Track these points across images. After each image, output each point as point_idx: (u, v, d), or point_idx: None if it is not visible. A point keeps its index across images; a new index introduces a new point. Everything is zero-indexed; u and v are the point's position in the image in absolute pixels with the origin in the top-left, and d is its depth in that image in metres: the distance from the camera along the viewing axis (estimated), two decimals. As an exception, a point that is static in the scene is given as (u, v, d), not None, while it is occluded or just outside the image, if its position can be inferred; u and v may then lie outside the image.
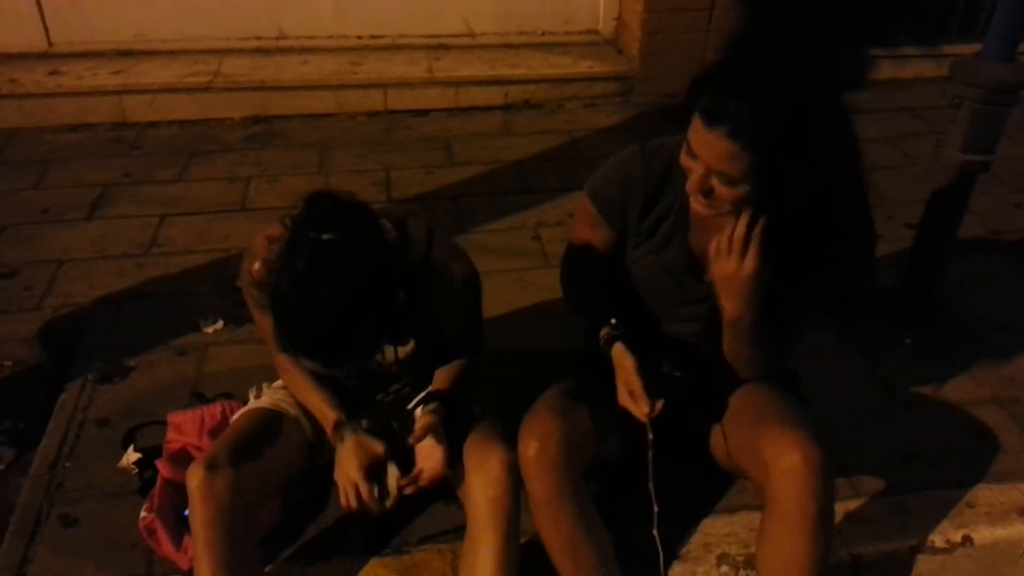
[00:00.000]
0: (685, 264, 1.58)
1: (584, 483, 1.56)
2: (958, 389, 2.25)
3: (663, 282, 1.61)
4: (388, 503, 1.59)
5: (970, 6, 4.12)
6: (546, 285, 2.61)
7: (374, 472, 1.58)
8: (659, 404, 1.52)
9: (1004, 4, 2.06)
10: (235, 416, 1.72)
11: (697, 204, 1.41)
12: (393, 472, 1.59)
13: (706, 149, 1.30)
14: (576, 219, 1.69)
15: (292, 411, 1.69)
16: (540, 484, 1.51)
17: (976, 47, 2.16)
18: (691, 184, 1.36)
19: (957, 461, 2.03)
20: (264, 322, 1.57)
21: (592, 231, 1.63)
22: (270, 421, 1.66)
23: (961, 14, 4.15)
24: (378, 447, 1.58)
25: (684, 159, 1.37)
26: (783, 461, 1.44)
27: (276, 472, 1.64)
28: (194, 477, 1.48)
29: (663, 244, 1.58)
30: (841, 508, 1.88)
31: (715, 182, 1.33)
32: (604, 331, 1.61)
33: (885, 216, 2.80)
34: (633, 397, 1.54)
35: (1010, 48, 2.07)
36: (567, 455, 1.51)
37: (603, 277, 1.68)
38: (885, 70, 4.08)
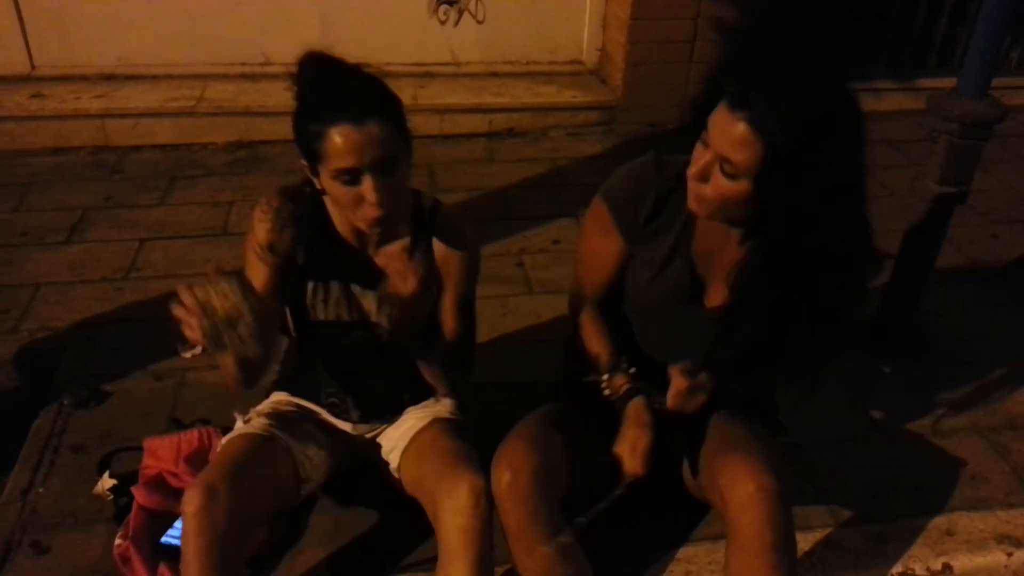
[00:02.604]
0: (687, 285, 1.56)
1: (561, 514, 1.54)
2: (936, 417, 2.26)
3: (664, 306, 1.59)
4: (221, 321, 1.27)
5: (946, 42, 4.22)
6: (529, 311, 2.62)
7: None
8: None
9: (977, 42, 2.11)
10: (225, 440, 1.67)
11: (692, 195, 1.39)
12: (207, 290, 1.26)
13: (722, 132, 1.29)
14: (587, 230, 1.64)
15: (283, 439, 1.66)
16: (513, 516, 1.49)
17: (952, 81, 2.21)
18: (693, 169, 1.35)
19: (936, 489, 2.04)
20: (256, 278, 1.54)
21: (603, 242, 1.60)
22: (264, 449, 1.62)
23: (937, 49, 4.25)
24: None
25: (696, 150, 1.36)
26: (739, 491, 1.45)
27: (270, 501, 1.62)
28: (191, 503, 1.43)
29: (666, 262, 1.55)
30: (820, 536, 1.89)
31: (717, 173, 1.32)
32: (620, 380, 1.58)
33: (865, 246, 2.84)
34: (634, 454, 1.52)
35: (983, 84, 2.11)
36: (541, 486, 1.49)
37: (610, 304, 1.67)
38: (864, 103, 4.11)
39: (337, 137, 1.35)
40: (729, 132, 1.28)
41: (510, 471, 1.49)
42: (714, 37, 3.74)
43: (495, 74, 4.05)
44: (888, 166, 3.46)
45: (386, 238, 1.58)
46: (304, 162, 1.45)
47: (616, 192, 1.57)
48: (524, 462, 1.50)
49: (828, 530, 1.91)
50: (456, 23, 3.99)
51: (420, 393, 1.76)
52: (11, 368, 2.31)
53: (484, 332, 2.46)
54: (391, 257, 1.55)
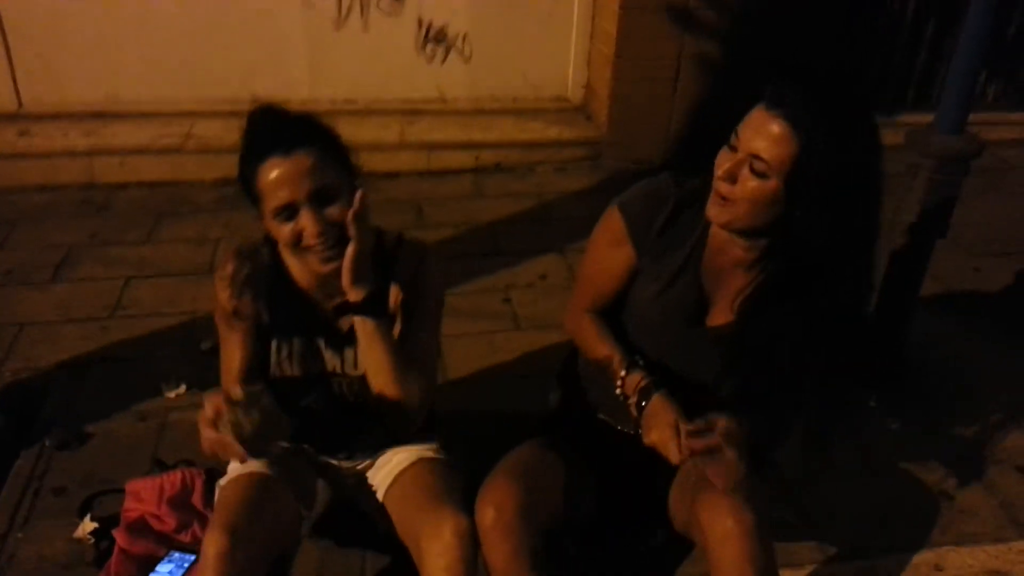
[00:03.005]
0: (692, 305, 1.55)
1: (543, 550, 1.51)
2: (924, 450, 2.27)
3: (666, 326, 1.58)
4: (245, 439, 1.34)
5: (923, 78, 4.30)
6: (516, 347, 2.62)
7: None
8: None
9: (953, 78, 2.15)
10: (226, 481, 1.62)
11: (714, 201, 1.39)
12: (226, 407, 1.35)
13: (757, 130, 1.31)
14: (598, 239, 1.62)
15: (283, 476, 1.62)
16: (497, 552, 1.48)
17: (931, 116, 2.24)
18: (720, 171, 1.36)
19: (925, 522, 2.03)
20: (231, 343, 1.55)
21: (613, 251, 1.58)
22: (270, 487, 1.58)
23: (916, 85, 4.33)
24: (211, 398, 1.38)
25: (721, 155, 1.37)
26: (718, 527, 1.44)
27: (279, 541, 1.59)
28: (215, 545, 1.40)
29: (673, 279, 1.55)
30: (810, 571, 1.88)
31: (746, 173, 1.33)
32: (637, 376, 1.56)
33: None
34: (671, 445, 1.47)
35: (960, 120, 2.15)
36: (525, 523, 1.48)
37: (615, 314, 1.66)
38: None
39: (268, 172, 1.36)
40: (765, 129, 1.31)
41: (494, 507, 1.48)
42: (697, 75, 3.79)
43: (482, 111, 4.09)
44: (871, 200, 3.50)
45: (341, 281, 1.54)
46: (253, 206, 1.45)
47: (632, 204, 1.56)
48: (508, 498, 1.49)
49: (816, 565, 1.90)
50: (443, 61, 4.04)
51: (400, 434, 1.74)
52: (-7, 408, 2.28)
53: (471, 368, 2.49)
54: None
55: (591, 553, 1.82)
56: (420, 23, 3.94)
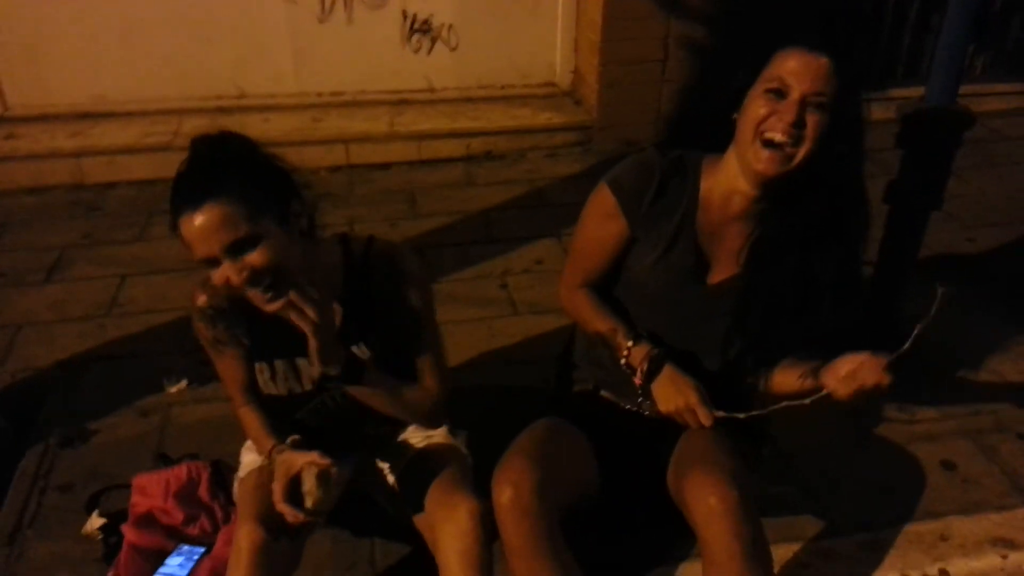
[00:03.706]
0: (692, 266, 1.57)
1: (561, 530, 1.53)
2: (925, 422, 2.29)
3: (668, 291, 1.59)
4: (307, 509, 1.46)
5: (912, 51, 4.31)
6: (514, 333, 2.62)
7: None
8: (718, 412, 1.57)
9: (943, 49, 2.16)
10: (246, 474, 1.64)
11: (758, 160, 1.42)
12: (310, 474, 1.47)
13: (806, 69, 1.38)
14: (588, 215, 1.64)
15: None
16: (515, 532, 1.48)
17: (921, 90, 2.25)
18: (787, 118, 1.39)
19: (928, 493, 2.05)
20: (223, 364, 1.60)
21: (605, 225, 1.60)
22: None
23: (904, 60, 4.34)
24: (296, 459, 1.47)
25: (762, 104, 1.41)
26: (702, 505, 1.46)
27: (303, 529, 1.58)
28: (248, 537, 1.44)
29: (670, 243, 1.57)
30: (813, 545, 1.89)
31: (808, 112, 1.39)
32: (644, 348, 1.59)
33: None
34: (694, 413, 1.57)
35: (951, 91, 2.16)
36: (542, 501, 1.48)
37: (610, 285, 1.68)
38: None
39: (184, 227, 1.30)
40: (816, 66, 1.38)
41: (511, 487, 1.48)
42: (684, 56, 3.79)
43: (470, 99, 4.09)
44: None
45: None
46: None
47: (621, 178, 1.59)
48: (525, 477, 1.49)
49: (821, 539, 1.91)
50: (429, 51, 4.02)
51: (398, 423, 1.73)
52: (-6, 410, 2.27)
53: (471, 354, 2.49)
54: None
55: (598, 532, 1.82)
56: (405, 15, 3.92)
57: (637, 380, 1.60)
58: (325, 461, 1.45)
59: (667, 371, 1.58)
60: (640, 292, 1.64)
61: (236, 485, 1.65)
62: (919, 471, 2.12)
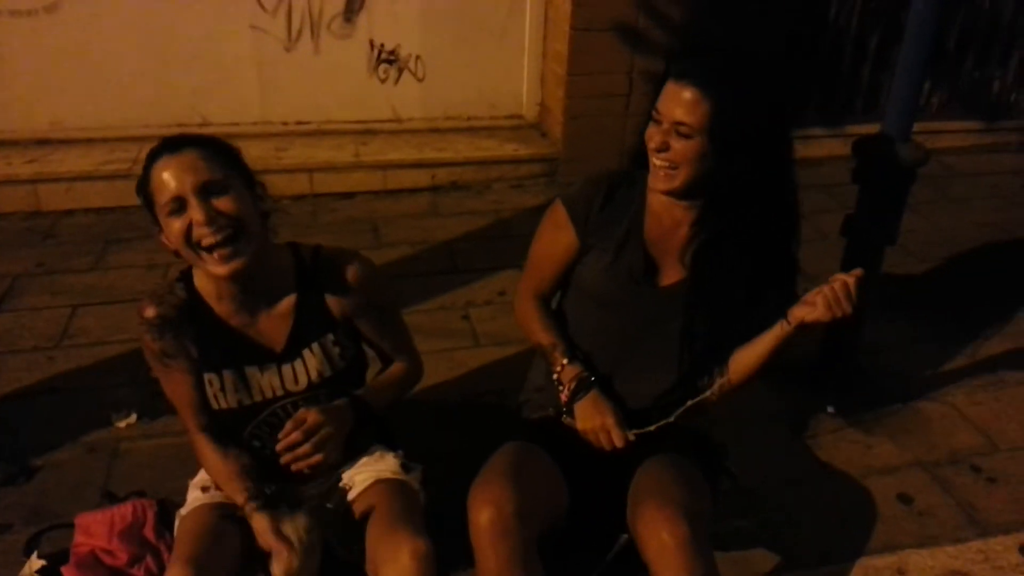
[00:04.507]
0: (641, 269, 1.62)
1: (536, 553, 1.49)
2: (882, 455, 2.30)
3: (619, 294, 1.64)
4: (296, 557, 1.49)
5: (871, 88, 4.40)
6: (476, 364, 2.60)
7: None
8: (631, 433, 1.63)
9: (899, 86, 2.19)
10: (188, 511, 1.61)
11: (655, 178, 1.53)
12: (294, 526, 1.53)
13: (673, 100, 1.46)
14: (542, 228, 1.74)
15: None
16: (493, 554, 1.44)
17: (878, 126, 2.28)
18: (652, 143, 1.50)
19: (885, 526, 2.05)
20: (173, 384, 1.58)
21: (556, 236, 1.69)
22: (233, 517, 1.56)
23: (863, 95, 4.43)
24: (272, 529, 1.51)
25: (649, 131, 1.52)
26: (654, 540, 1.45)
27: (240, 571, 1.55)
28: None
29: (619, 248, 1.63)
30: (774, 580, 1.88)
31: (673, 139, 1.48)
32: (576, 368, 1.67)
33: (804, 289, 2.89)
34: (608, 435, 1.62)
35: (906, 128, 2.20)
36: (522, 522, 1.46)
37: (559, 296, 1.79)
38: (797, 149, 4.25)
39: (157, 171, 1.40)
40: (679, 97, 1.46)
41: (491, 506, 1.45)
42: (649, 90, 3.79)
43: (437, 130, 4.09)
44: (821, 210, 3.54)
45: (264, 301, 1.56)
46: (157, 229, 1.46)
47: (570, 192, 1.70)
48: (505, 497, 1.46)
49: (780, 572, 1.90)
50: (396, 81, 4.03)
51: (350, 438, 1.67)
52: (-67, 445, 2.19)
53: (432, 386, 2.45)
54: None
55: (564, 558, 1.79)
56: (372, 45, 3.93)
57: (563, 396, 1.68)
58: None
59: (592, 394, 1.65)
60: (594, 298, 1.69)
61: (176, 522, 1.60)
62: (877, 503, 2.12)
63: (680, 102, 1.46)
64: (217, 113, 3.89)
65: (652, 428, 1.64)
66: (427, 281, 3.08)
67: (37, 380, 2.45)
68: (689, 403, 1.67)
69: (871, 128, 2.35)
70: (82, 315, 2.79)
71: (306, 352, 1.58)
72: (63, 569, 1.72)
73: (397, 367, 1.76)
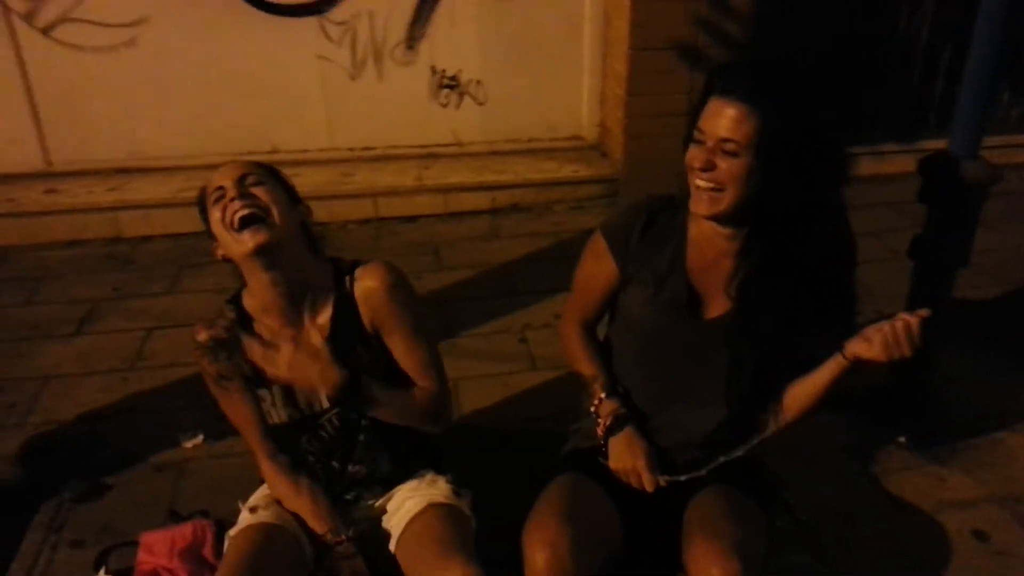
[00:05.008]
0: (684, 301, 1.57)
1: None
2: (956, 488, 2.19)
3: (663, 327, 1.60)
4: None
5: (944, 101, 4.25)
6: (532, 388, 2.60)
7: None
8: (662, 479, 1.60)
9: (966, 101, 2.11)
10: (235, 532, 1.66)
11: (697, 202, 1.46)
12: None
13: (717, 117, 1.40)
14: (583, 258, 1.73)
15: (292, 525, 1.66)
16: None
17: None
18: (696, 163, 1.43)
19: (958, 565, 1.96)
20: (232, 406, 1.66)
21: (597, 265, 1.67)
22: (277, 538, 1.62)
23: (937, 109, 4.28)
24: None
25: (691, 152, 1.46)
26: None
27: None
28: None
29: (662, 280, 1.59)
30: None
31: (719, 158, 1.41)
32: (613, 404, 1.65)
33: (872, 310, 2.80)
34: (639, 478, 1.60)
35: (973, 145, 2.11)
36: (579, 563, 1.44)
37: (607, 321, 1.75)
38: (866, 166, 4.15)
39: (212, 175, 1.56)
40: (724, 114, 1.39)
41: (548, 547, 1.44)
42: (710, 109, 3.78)
43: (497, 152, 4.13)
44: (891, 229, 3.44)
45: (307, 314, 1.60)
46: (214, 243, 1.58)
47: (610, 221, 1.67)
48: (562, 537, 1.45)
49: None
50: (457, 106, 4.09)
51: (399, 455, 1.73)
52: (16, 462, 2.31)
53: (486, 409, 2.46)
54: (299, 367, 1.55)
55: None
56: (433, 70, 4.00)
57: (599, 431, 1.66)
58: None
59: (626, 431, 1.62)
60: (637, 329, 1.65)
61: (226, 542, 1.64)
62: (948, 541, 2.03)
63: (725, 118, 1.39)
64: (286, 141, 4.02)
65: (683, 478, 1.60)
66: (485, 304, 3.10)
67: (112, 401, 2.56)
68: (739, 451, 1.61)
69: (944, 144, 2.27)
70: (156, 338, 2.91)
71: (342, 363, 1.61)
72: (127, 586, 1.79)
73: (419, 390, 1.69)
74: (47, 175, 3.81)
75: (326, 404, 1.62)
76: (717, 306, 1.58)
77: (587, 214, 3.87)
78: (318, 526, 1.64)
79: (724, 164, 1.41)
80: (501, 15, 3.95)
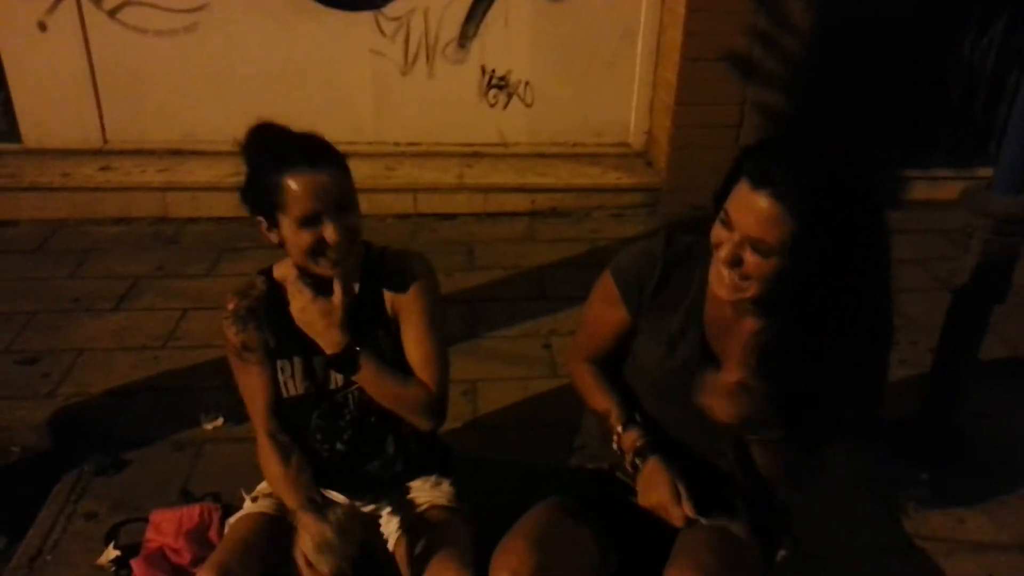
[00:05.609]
0: (697, 364, 1.48)
1: None
2: (974, 530, 2.12)
3: (675, 388, 1.51)
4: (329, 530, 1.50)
5: (1006, 131, 4.10)
6: (550, 394, 2.59)
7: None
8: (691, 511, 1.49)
9: (1013, 135, 2.04)
10: (234, 519, 1.69)
11: (719, 283, 1.35)
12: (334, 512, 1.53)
13: (748, 212, 1.25)
14: (593, 298, 1.62)
15: (289, 518, 1.66)
16: None
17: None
18: (721, 255, 1.31)
19: (973, 610, 1.89)
20: (248, 378, 1.65)
21: (608, 310, 1.58)
22: (273, 528, 1.63)
23: (998, 138, 4.13)
24: (325, 530, 1.50)
25: (717, 232, 1.33)
26: None
27: None
28: None
29: (677, 337, 1.51)
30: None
31: (747, 253, 1.28)
32: (633, 435, 1.54)
33: (910, 341, 2.72)
34: (672, 509, 1.48)
35: (1019, 179, 2.03)
36: None
37: (614, 364, 1.65)
38: (920, 191, 4.05)
39: (296, 185, 1.46)
40: (757, 209, 1.24)
41: (509, 573, 1.42)
42: (761, 122, 3.72)
43: (542, 155, 4.12)
44: (940, 257, 3.35)
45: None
46: (260, 219, 1.55)
47: (623, 267, 1.56)
48: (524, 564, 1.42)
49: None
50: (505, 106, 4.10)
51: (411, 458, 1.73)
52: (44, 431, 2.39)
53: (502, 412, 2.46)
54: (309, 323, 1.55)
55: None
56: (484, 70, 4.01)
57: (628, 466, 1.56)
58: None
59: (651, 463, 1.50)
60: (649, 383, 1.59)
61: (225, 529, 1.67)
62: (966, 584, 1.96)
63: (757, 215, 1.24)
64: (334, 132, 3.91)
65: (704, 521, 1.50)
66: (514, 306, 3.10)
67: (141, 377, 2.63)
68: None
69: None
70: (190, 318, 2.98)
71: (362, 342, 1.61)
72: (132, 562, 1.84)
73: (416, 382, 1.64)
74: (102, 152, 3.94)
75: (342, 381, 1.64)
76: (733, 371, 1.46)
77: (627, 223, 3.84)
78: (289, 500, 1.59)
79: (753, 260, 1.28)
80: (555, 18, 3.95)
